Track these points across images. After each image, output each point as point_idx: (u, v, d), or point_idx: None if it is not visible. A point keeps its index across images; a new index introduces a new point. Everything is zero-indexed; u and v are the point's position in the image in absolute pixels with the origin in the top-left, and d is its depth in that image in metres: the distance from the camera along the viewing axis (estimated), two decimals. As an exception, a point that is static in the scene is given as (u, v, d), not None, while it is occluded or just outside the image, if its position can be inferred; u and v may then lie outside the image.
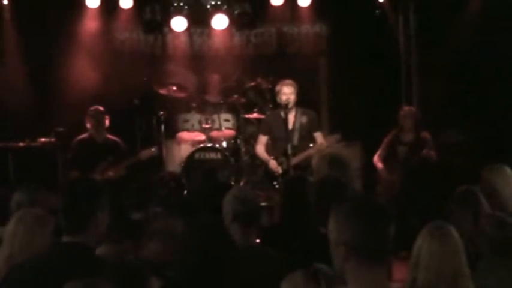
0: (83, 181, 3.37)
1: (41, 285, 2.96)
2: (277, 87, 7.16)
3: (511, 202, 4.63)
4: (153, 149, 7.66)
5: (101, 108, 7.49)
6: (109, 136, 7.57)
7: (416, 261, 3.27)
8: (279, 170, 6.94)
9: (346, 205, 2.38)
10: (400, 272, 3.80)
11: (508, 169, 4.82)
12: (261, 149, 7.26)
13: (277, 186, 6.94)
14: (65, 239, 3.07)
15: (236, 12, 8.95)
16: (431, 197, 6.76)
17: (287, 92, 6.97)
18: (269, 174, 7.14)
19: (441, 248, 3.23)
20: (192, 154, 8.22)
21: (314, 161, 5.72)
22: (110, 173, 7.25)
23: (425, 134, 7.67)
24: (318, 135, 7.11)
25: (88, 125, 7.46)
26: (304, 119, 7.09)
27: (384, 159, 7.74)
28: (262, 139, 7.29)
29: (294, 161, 6.77)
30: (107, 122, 7.50)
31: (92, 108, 7.48)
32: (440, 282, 3.19)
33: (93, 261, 3.05)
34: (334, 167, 4.68)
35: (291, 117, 7.07)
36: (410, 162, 7.53)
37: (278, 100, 7.14)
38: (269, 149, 7.27)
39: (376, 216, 2.35)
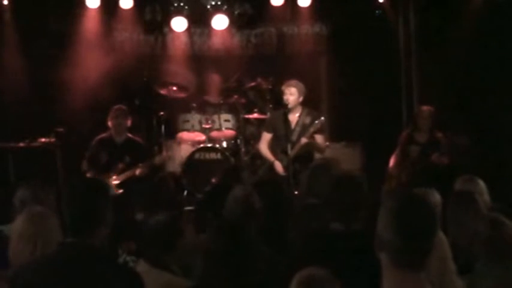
0: (97, 183, 3.31)
1: (49, 286, 2.96)
2: (282, 87, 7.18)
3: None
4: (167, 154, 7.64)
5: (123, 108, 7.33)
6: (130, 136, 7.38)
7: None
8: (284, 172, 6.94)
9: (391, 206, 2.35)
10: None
11: (479, 180, 4.82)
12: (264, 147, 7.26)
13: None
14: (71, 239, 3.06)
15: (236, 12, 8.97)
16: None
17: (287, 93, 7.00)
18: (270, 173, 7.13)
19: None
20: (192, 154, 8.23)
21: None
22: (139, 171, 7.12)
23: (440, 136, 7.53)
24: (318, 137, 7.06)
25: (109, 124, 7.28)
26: (308, 120, 7.07)
27: (396, 157, 7.69)
28: (266, 136, 7.28)
29: (292, 153, 6.78)
30: (128, 122, 7.32)
31: (115, 108, 7.31)
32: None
33: (104, 261, 3.06)
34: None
35: (294, 117, 7.06)
36: (419, 164, 7.47)
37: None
38: (270, 147, 7.27)
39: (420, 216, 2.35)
